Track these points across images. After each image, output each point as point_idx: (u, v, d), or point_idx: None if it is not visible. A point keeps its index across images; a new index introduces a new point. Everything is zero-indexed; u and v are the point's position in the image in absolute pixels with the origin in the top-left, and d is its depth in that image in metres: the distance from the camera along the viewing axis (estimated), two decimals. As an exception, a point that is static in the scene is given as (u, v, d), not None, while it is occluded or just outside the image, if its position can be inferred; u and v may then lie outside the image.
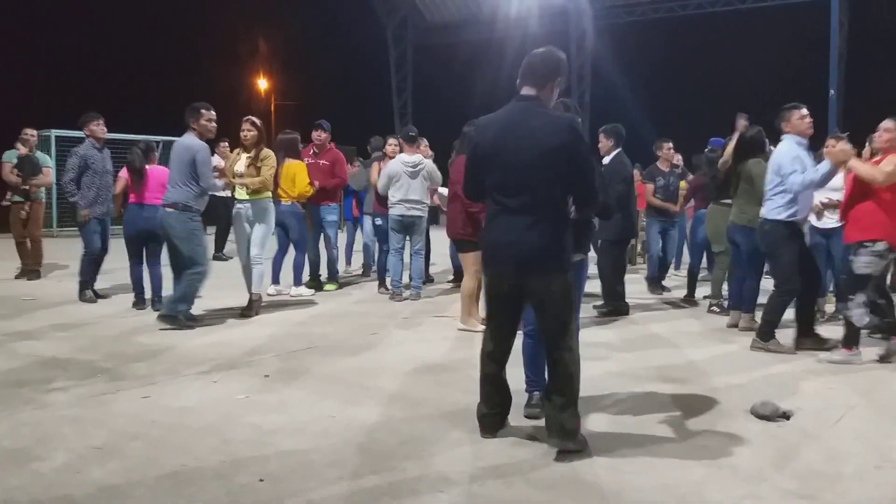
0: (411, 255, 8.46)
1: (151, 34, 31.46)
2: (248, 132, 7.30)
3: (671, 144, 9.54)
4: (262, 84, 32.27)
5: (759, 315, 6.30)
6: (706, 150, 8.75)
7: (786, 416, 4.16)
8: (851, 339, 5.55)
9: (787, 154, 5.89)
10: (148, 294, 7.55)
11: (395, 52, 28.25)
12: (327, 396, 4.53)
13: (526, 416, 4.11)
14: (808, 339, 6.01)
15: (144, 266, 7.56)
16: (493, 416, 3.89)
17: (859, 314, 5.45)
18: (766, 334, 5.92)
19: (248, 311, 7.16)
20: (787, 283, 5.94)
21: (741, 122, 7.28)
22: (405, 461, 3.51)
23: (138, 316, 7.19)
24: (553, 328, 3.72)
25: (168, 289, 6.98)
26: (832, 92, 19.47)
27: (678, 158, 9.96)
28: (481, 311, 6.23)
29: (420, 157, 8.30)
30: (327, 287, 8.92)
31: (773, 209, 5.97)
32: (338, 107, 28.09)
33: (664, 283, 9.40)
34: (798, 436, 3.91)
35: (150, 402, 4.41)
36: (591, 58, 25.62)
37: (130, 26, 29.97)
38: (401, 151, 8.45)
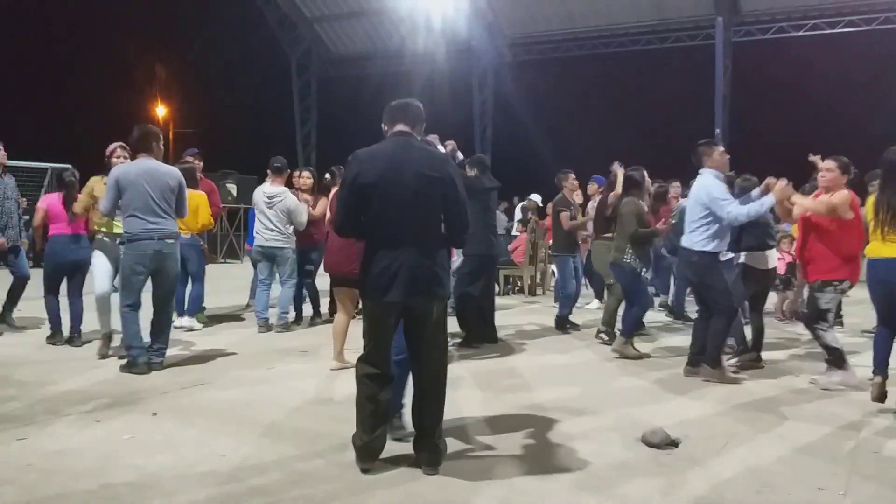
0: (281, 284, 8.37)
1: (45, 58, 30.25)
2: (124, 160, 6.60)
3: (573, 175, 9.49)
4: (161, 111, 31.40)
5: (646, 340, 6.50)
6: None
7: (674, 443, 4.29)
8: (839, 360, 5.81)
9: (716, 186, 6.02)
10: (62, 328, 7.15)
11: (298, 83, 28.13)
12: (218, 435, 4.38)
13: (396, 439, 4.14)
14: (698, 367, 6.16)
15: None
16: (374, 441, 3.83)
17: (832, 337, 5.82)
18: (715, 361, 6.04)
19: (105, 350, 6.56)
20: (727, 305, 6.08)
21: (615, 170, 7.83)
22: (300, 502, 3.42)
23: (22, 350, 6.78)
24: (435, 352, 3.87)
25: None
26: (718, 131, 20.54)
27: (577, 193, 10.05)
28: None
29: (280, 189, 8.24)
30: (198, 317, 8.57)
31: (699, 241, 6.06)
32: (240, 136, 27.67)
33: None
34: (685, 463, 4.03)
35: (26, 444, 4.15)
36: (493, 93, 26.23)
37: (21, 49, 28.70)
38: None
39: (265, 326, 8.22)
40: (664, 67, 24.33)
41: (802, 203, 5.91)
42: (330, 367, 6.25)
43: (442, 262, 3.85)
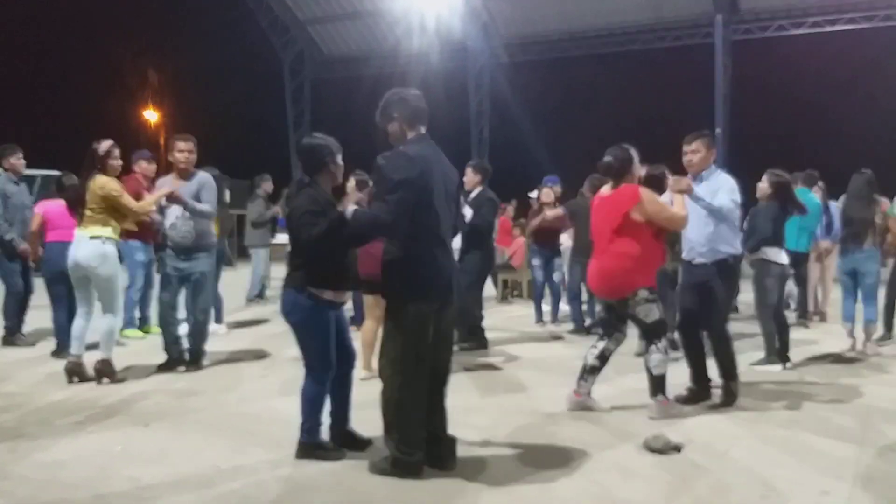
0: None
1: (34, 63, 30.20)
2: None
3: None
4: (152, 116, 31.30)
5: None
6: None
7: (677, 448, 4.23)
8: (659, 388, 4.98)
9: None
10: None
11: (291, 86, 27.95)
12: (212, 445, 4.32)
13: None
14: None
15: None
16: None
17: (658, 360, 4.95)
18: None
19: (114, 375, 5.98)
20: None
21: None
22: (294, 512, 3.37)
23: (10, 362, 6.71)
24: (449, 352, 3.94)
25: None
26: (718, 130, 20.46)
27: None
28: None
29: None
30: (126, 333, 7.83)
31: None
32: (232, 140, 27.55)
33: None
34: (688, 468, 3.98)
35: (17, 456, 4.10)
36: (489, 94, 26.17)
37: (8, 54, 28.58)
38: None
39: None
40: (663, 67, 24.27)
41: None
42: (360, 377, 5.39)
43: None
